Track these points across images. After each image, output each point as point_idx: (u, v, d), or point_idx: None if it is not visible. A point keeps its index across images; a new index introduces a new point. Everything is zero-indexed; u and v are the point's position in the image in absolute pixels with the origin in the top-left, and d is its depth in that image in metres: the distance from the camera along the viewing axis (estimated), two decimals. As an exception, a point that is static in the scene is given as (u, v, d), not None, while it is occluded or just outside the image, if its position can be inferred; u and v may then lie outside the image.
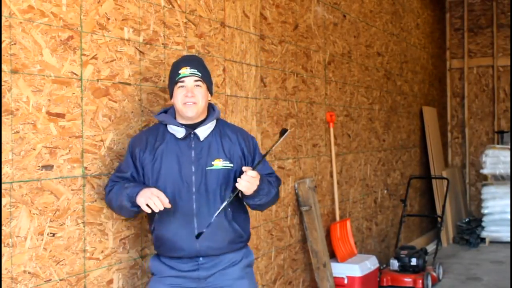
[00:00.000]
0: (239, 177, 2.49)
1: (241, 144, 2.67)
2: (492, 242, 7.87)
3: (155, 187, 2.52)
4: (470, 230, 7.93)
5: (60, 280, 2.49)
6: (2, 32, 2.25)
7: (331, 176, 5.15)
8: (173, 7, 3.17)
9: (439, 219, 6.61)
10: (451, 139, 9.38)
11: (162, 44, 3.09)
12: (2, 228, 2.24)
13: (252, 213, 3.84)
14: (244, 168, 2.50)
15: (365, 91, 5.99)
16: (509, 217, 7.64)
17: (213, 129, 2.64)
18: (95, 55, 2.66)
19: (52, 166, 2.45)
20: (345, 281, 4.83)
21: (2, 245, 2.25)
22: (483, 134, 9.17)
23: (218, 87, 3.56)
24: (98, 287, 2.68)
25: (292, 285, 4.48)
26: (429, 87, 8.38)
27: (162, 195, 2.44)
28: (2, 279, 2.24)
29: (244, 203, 2.68)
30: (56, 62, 2.47)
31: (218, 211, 2.46)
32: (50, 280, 2.44)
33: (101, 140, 2.70)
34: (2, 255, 2.25)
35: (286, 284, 4.38)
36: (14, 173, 2.29)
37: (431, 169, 7.82)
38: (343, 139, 5.44)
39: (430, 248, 7.26)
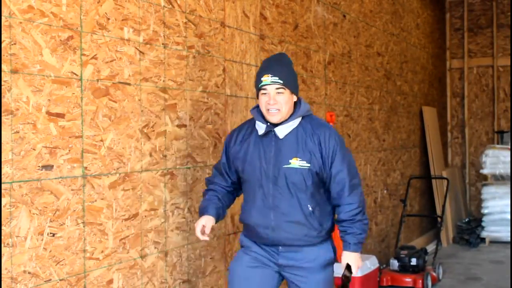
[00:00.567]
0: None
1: (320, 145, 2.71)
2: (492, 242, 7.87)
3: (209, 215, 2.82)
4: (470, 230, 7.93)
5: (60, 280, 2.49)
6: (2, 32, 2.25)
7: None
8: (173, 7, 3.17)
9: (439, 219, 6.60)
10: (451, 139, 9.38)
11: (162, 44, 3.09)
12: (2, 228, 2.24)
13: (252, 213, 3.84)
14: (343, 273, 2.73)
15: (365, 91, 5.99)
16: (509, 217, 7.64)
17: (297, 126, 2.73)
18: (95, 55, 2.66)
19: (52, 166, 2.45)
20: (345, 281, 4.82)
21: (2, 245, 2.25)
22: (483, 134, 9.17)
23: (218, 87, 3.56)
24: (98, 287, 2.68)
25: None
26: (429, 87, 8.38)
27: (200, 227, 2.77)
28: (2, 279, 2.24)
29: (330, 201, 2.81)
30: (56, 62, 2.47)
31: None
32: (50, 280, 2.44)
33: (101, 140, 2.70)
34: (2, 255, 2.25)
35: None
36: (14, 173, 2.29)
37: (431, 169, 7.83)
38: (343, 139, 5.43)
39: (430, 248, 7.26)
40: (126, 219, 2.84)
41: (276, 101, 2.66)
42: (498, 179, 7.88)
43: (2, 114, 2.25)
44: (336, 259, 2.86)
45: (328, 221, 2.79)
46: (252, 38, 3.91)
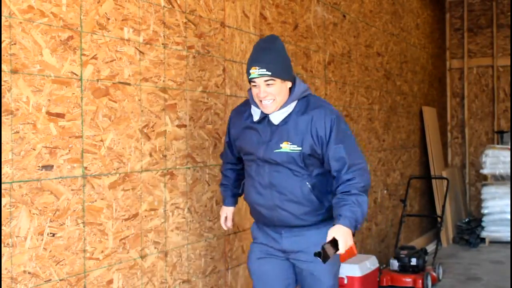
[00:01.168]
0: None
1: (314, 126, 2.64)
2: (492, 242, 7.87)
3: (230, 206, 3.09)
4: (470, 230, 7.93)
5: (60, 280, 2.49)
6: (2, 32, 2.25)
7: (331, 176, 5.15)
8: (173, 7, 3.17)
9: (439, 219, 6.60)
10: (451, 139, 9.38)
11: (162, 44, 3.09)
12: (2, 228, 2.24)
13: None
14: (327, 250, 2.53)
15: (365, 91, 5.99)
16: (509, 217, 7.64)
17: (293, 109, 2.68)
18: (95, 55, 2.66)
19: (52, 166, 2.45)
20: (345, 281, 4.83)
21: (2, 245, 2.25)
22: (483, 134, 9.17)
23: (218, 87, 3.56)
24: (98, 287, 2.68)
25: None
26: (429, 87, 8.38)
27: (223, 220, 3.10)
28: (2, 279, 2.24)
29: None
30: (56, 62, 2.47)
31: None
32: (50, 280, 2.44)
33: (101, 140, 2.70)
34: (2, 255, 2.25)
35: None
36: (14, 173, 2.29)
37: (431, 169, 7.83)
38: (343, 139, 5.43)
39: (430, 248, 7.26)
40: (126, 219, 2.84)
41: (267, 93, 2.62)
42: (498, 179, 7.88)
43: (2, 114, 2.25)
44: None
45: (329, 199, 2.75)
46: (252, 38, 3.91)
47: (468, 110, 9.24)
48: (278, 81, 2.61)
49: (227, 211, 3.08)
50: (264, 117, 2.71)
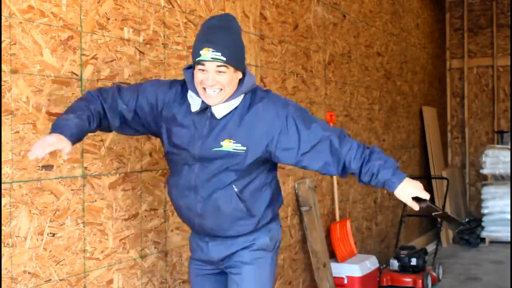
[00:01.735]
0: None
1: (270, 121, 2.29)
2: (492, 242, 7.87)
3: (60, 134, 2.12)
4: (470, 230, 7.93)
5: (60, 280, 2.49)
6: (2, 32, 2.25)
7: (331, 176, 5.15)
8: (173, 7, 3.17)
9: (439, 219, 6.60)
10: (451, 139, 9.38)
11: (162, 44, 3.09)
12: (2, 228, 2.24)
13: (252, 213, 3.84)
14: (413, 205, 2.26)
15: (365, 91, 5.99)
16: (509, 217, 7.64)
17: (239, 103, 2.31)
18: (95, 55, 2.66)
19: (52, 166, 2.45)
20: (345, 281, 4.83)
21: (2, 245, 2.25)
22: (483, 134, 9.17)
23: (218, 87, 3.55)
24: (98, 287, 2.68)
25: (292, 285, 4.48)
26: (429, 87, 8.38)
27: (49, 148, 2.06)
28: (2, 279, 2.24)
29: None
30: (56, 62, 2.47)
31: None
32: (50, 280, 2.44)
33: (101, 140, 2.70)
34: (2, 255, 2.25)
35: (286, 284, 4.38)
36: (14, 173, 2.29)
37: (431, 169, 7.83)
38: (343, 139, 5.43)
39: (430, 248, 7.26)
40: (126, 219, 2.84)
41: (216, 81, 2.23)
42: (498, 179, 7.88)
43: (2, 114, 2.25)
44: (275, 245, 2.51)
45: (261, 210, 2.40)
46: (252, 38, 3.91)
47: (468, 110, 9.24)
48: (231, 69, 2.24)
49: (62, 142, 2.10)
50: (205, 108, 2.30)
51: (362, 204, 5.87)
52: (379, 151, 2.30)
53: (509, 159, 7.72)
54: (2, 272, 2.25)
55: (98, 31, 2.68)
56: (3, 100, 2.25)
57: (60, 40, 2.49)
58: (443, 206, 6.51)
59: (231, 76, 2.25)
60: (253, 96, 2.33)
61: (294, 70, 4.54)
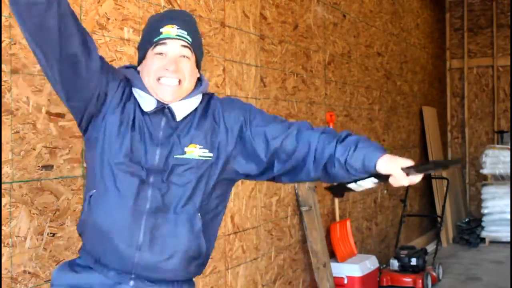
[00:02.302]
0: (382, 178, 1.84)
1: (233, 120, 1.92)
2: (492, 242, 7.87)
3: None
4: (470, 230, 7.93)
5: (60, 280, 2.49)
6: (2, 32, 2.25)
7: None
8: (173, 7, 3.17)
9: (439, 219, 6.60)
10: (451, 139, 9.38)
11: (162, 44, 3.09)
12: (2, 228, 2.24)
13: (252, 212, 3.84)
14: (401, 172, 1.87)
15: (365, 91, 5.99)
16: (509, 217, 7.64)
17: (198, 106, 1.90)
18: (95, 55, 2.66)
19: (52, 166, 2.45)
20: (345, 281, 4.83)
21: (2, 245, 2.25)
22: (483, 134, 9.17)
23: (218, 87, 3.56)
24: (98, 287, 2.68)
25: (292, 285, 4.48)
26: (429, 87, 8.38)
27: None
28: (2, 279, 2.24)
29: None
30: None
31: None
32: (50, 280, 2.44)
33: (101, 140, 2.70)
34: (2, 255, 2.25)
35: (286, 284, 4.38)
36: (14, 173, 2.29)
37: (431, 169, 7.81)
38: (343, 139, 5.43)
39: (430, 248, 7.26)
40: (126, 219, 2.84)
41: (178, 67, 1.81)
42: (498, 179, 7.88)
43: (2, 114, 2.25)
44: None
45: (210, 249, 1.92)
46: (252, 38, 3.91)
47: (468, 110, 9.24)
48: (193, 59, 1.86)
49: None
50: (161, 108, 1.84)
51: (362, 204, 5.87)
52: (351, 134, 1.92)
53: (509, 159, 7.72)
54: (2, 272, 2.25)
55: (98, 31, 2.68)
56: (3, 100, 2.25)
57: (60, 40, 2.49)
58: (443, 206, 6.51)
59: (192, 67, 1.86)
60: (210, 98, 1.95)
61: (294, 70, 4.54)
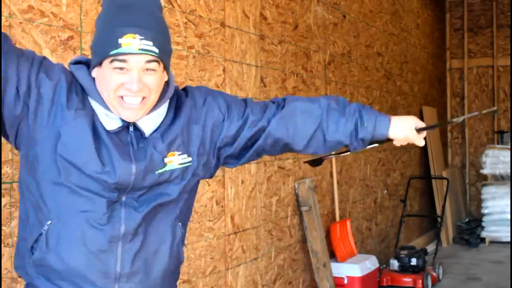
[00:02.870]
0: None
1: (204, 118, 1.70)
2: (492, 242, 7.88)
3: None
4: (470, 230, 7.94)
5: (60, 280, 2.49)
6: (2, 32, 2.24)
7: (331, 176, 5.15)
8: (173, 7, 3.17)
9: (439, 219, 6.60)
10: (451, 139, 9.38)
11: (162, 44, 3.09)
12: (2, 228, 2.24)
13: (252, 212, 3.84)
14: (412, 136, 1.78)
15: (365, 91, 5.99)
16: (509, 217, 7.65)
17: (166, 112, 1.65)
18: (95, 55, 2.66)
19: (52, 166, 2.44)
20: (345, 281, 4.83)
21: (2, 245, 2.25)
22: (483, 134, 9.17)
23: (218, 87, 3.56)
24: (98, 287, 2.68)
25: (292, 285, 4.48)
26: (429, 87, 8.38)
27: None
28: (2, 279, 2.24)
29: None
30: (56, 62, 2.47)
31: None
32: (50, 280, 2.44)
33: (101, 140, 2.70)
34: (2, 255, 2.25)
35: (286, 284, 4.38)
36: (14, 173, 2.29)
37: (431, 169, 7.83)
38: (343, 139, 5.43)
39: (430, 248, 7.26)
40: (126, 219, 2.84)
41: (144, 84, 1.52)
42: (498, 179, 7.88)
43: (2, 114, 2.25)
44: None
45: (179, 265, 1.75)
46: (252, 38, 3.91)
47: (468, 110, 9.24)
48: (161, 67, 1.56)
49: None
50: (127, 126, 1.59)
51: (362, 204, 5.87)
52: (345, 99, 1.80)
53: (509, 159, 7.73)
54: (2, 272, 2.25)
55: (98, 31, 2.68)
56: (3, 100, 2.25)
57: (60, 40, 2.49)
58: (443, 206, 6.51)
59: (160, 77, 1.57)
60: (176, 94, 1.70)
61: (294, 70, 4.54)
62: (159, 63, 1.54)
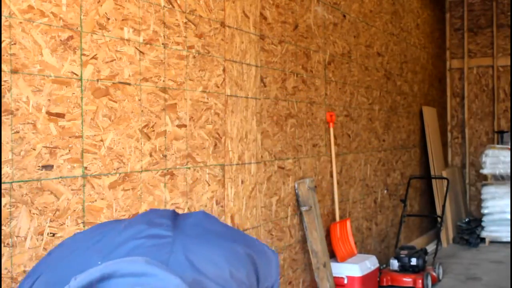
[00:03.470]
0: None
1: None
2: (492, 242, 7.88)
3: None
4: (470, 230, 7.93)
5: (60, 280, 2.49)
6: (2, 32, 2.25)
7: (331, 176, 5.15)
8: (173, 7, 3.17)
9: (439, 219, 6.60)
10: (451, 139, 9.38)
11: (162, 44, 3.09)
12: (2, 228, 2.24)
13: (252, 212, 3.84)
14: None
15: (365, 91, 5.99)
16: (509, 217, 7.65)
17: None
18: (95, 55, 2.66)
19: (52, 166, 2.45)
20: (345, 281, 4.83)
21: (2, 245, 2.25)
22: (483, 134, 9.17)
23: (218, 87, 3.56)
24: (98, 287, 2.68)
25: (292, 285, 4.48)
26: (429, 87, 8.38)
27: None
28: (2, 279, 2.24)
29: None
30: (56, 62, 2.47)
31: None
32: (50, 280, 2.44)
33: (101, 140, 2.70)
34: (2, 255, 2.25)
35: (286, 284, 4.38)
36: (14, 173, 2.29)
37: (431, 169, 7.83)
38: (343, 139, 5.44)
39: (430, 248, 7.26)
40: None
41: None
42: (498, 179, 7.88)
43: (2, 114, 2.25)
44: None
45: None
46: (252, 38, 3.91)
47: (468, 110, 9.24)
48: None
49: None
50: None
51: (362, 204, 5.87)
52: None
53: (509, 159, 7.72)
54: (2, 272, 2.25)
55: (98, 31, 2.69)
56: (3, 100, 2.25)
57: (60, 40, 2.49)
58: (443, 206, 6.51)
59: None
60: None
61: (294, 70, 4.54)
62: None
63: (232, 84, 3.68)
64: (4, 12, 2.26)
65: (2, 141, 2.25)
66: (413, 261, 5.60)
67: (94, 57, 2.66)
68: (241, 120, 3.75)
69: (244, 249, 1.76)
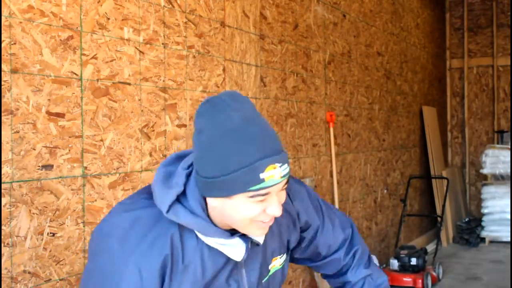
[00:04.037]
0: None
1: (303, 225, 1.75)
2: (492, 242, 7.88)
3: None
4: (470, 230, 7.94)
5: (60, 280, 2.49)
6: (2, 32, 2.25)
7: (331, 176, 5.16)
8: (173, 7, 3.17)
9: (439, 219, 6.60)
10: (451, 138, 9.38)
11: (162, 44, 3.09)
12: (2, 228, 2.24)
13: (252, 213, 3.84)
14: None
15: (365, 91, 5.99)
16: (509, 217, 7.65)
17: None
18: (95, 54, 2.66)
19: (52, 166, 2.45)
20: (345, 281, 4.83)
21: (2, 245, 2.25)
22: (483, 134, 9.17)
23: (218, 87, 3.56)
24: (98, 287, 2.68)
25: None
26: (429, 86, 8.38)
27: None
28: (2, 279, 2.24)
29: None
30: (56, 62, 2.47)
31: None
32: (50, 280, 2.44)
33: (101, 140, 2.70)
34: (2, 255, 2.25)
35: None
36: (14, 173, 2.29)
37: (431, 169, 7.83)
38: (343, 139, 5.44)
39: (430, 248, 7.26)
40: (126, 219, 2.84)
41: (281, 208, 1.45)
42: (498, 179, 7.88)
43: (2, 114, 2.25)
44: None
45: None
46: (252, 38, 3.91)
47: (468, 109, 9.24)
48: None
49: None
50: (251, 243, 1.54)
51: (362, 204, 5.87)
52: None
53: (509, 159, 7.72)
54: (2, 272, 2.25)
55: (98, 30, 2.68)
56: (3, 100, 2.25)
57: (60, 39, 2.49)
58: (443, 206, 6.51)
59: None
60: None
61: (294, 69, 4.54)
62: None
63: (232, 84, 3.68)
64: (4, 12, 2.26)
65: (2, 141, 2.25)
66: (413, 261, 5.60)
67: (94, 57, 2.66)
68: (241, 120, 3.75)
69: None
